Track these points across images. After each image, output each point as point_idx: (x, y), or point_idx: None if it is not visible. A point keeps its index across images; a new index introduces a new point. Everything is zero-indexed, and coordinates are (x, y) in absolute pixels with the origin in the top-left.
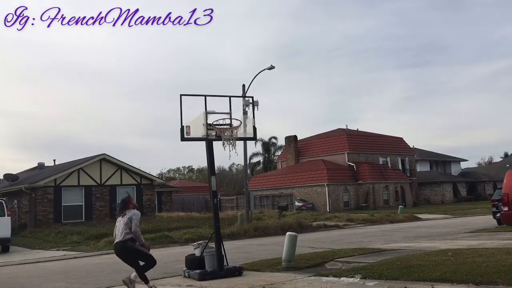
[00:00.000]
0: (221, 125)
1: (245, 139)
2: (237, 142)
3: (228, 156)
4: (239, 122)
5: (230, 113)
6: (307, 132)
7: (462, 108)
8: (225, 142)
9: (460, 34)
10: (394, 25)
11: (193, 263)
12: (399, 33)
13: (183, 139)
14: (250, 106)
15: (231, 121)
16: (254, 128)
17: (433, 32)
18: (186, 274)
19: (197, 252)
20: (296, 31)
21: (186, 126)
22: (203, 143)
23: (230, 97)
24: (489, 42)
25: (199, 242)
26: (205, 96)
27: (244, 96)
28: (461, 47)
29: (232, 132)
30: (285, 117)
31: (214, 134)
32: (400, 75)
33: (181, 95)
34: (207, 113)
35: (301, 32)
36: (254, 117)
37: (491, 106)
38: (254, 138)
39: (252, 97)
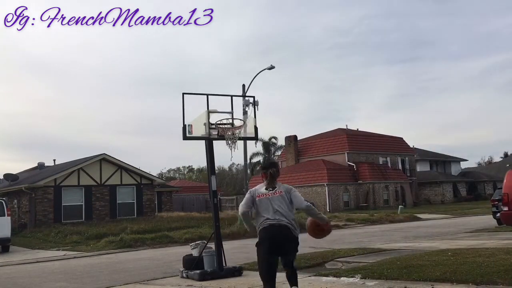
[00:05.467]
0: (224, 124)
1: (246, 139)
2: (238, 141)
3: (229, 156)
4: (241, 121)
5: (231, 113)
6: (300, 130)
7: (459, 106)
8: (229, 142)
9: (449, 27)
10: (379, 17)
11: (191, 263)
12: (385, 27)
13: (185, 137)
14: (250, 105)
15: (232, 121)
16: (255, 128)
17: (421, 25)
18: (184, 275)
19: (195, 253)
20: (276, 24)
21: (189, 125)
22: (203, 142)
23: (231, 96)
24: (481, 35)
25: (196, 242)
26: (207, 95)
27: (244, 95)
28: (452, 41)
29: (233, 131)
30: (280, 116)
31: (215, 134)
32: (392, 71)
33: (183, 93)
34: (209, 112)
35: (281, 25)
36: (255, 116)
37: (489, 104)
38: (255, 137)
39: (254, 97)
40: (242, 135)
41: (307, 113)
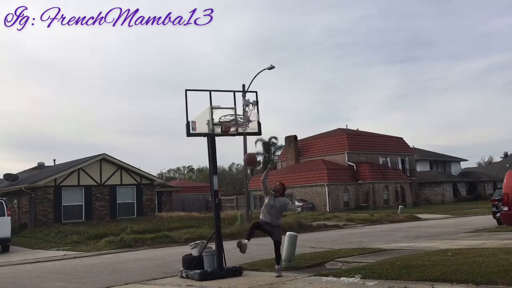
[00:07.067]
0: (227, 120)
1: (250, 134)
2: (238, 139)
3: (229, 156)
4: (245, 117)
5: (235, 108)
6: (300, 130)
7: (459, 106)
8: (240, 126)
9: (449, 27)
10: (379, 17)
11: (191, 263)
12: (385, 27)
13: (189, 134)
14: (253, 102)
15: (236, 116)
16: (259, 123)
17: (421, 25)
18: (184, 275)
19: (194, 252)
20: (276, 24)
21: (192, 122)
22: (205, 141)
23: (234, 92)
24: (481, 35)
25: (196, 242)
26: (210, 91)
27: (246, 91)
28: (452, 41)
29: (237, 127)
30: (280, 116)
31: (219, 130)
32: (392, 71)
33: (186, 90)
34: (212, 108)
35: (281, 25)
36: (258, 112)
37: (489, 104)
38: (259, 133)
39: (256, 92)
40: (246, 130)
41: (307, 113)
